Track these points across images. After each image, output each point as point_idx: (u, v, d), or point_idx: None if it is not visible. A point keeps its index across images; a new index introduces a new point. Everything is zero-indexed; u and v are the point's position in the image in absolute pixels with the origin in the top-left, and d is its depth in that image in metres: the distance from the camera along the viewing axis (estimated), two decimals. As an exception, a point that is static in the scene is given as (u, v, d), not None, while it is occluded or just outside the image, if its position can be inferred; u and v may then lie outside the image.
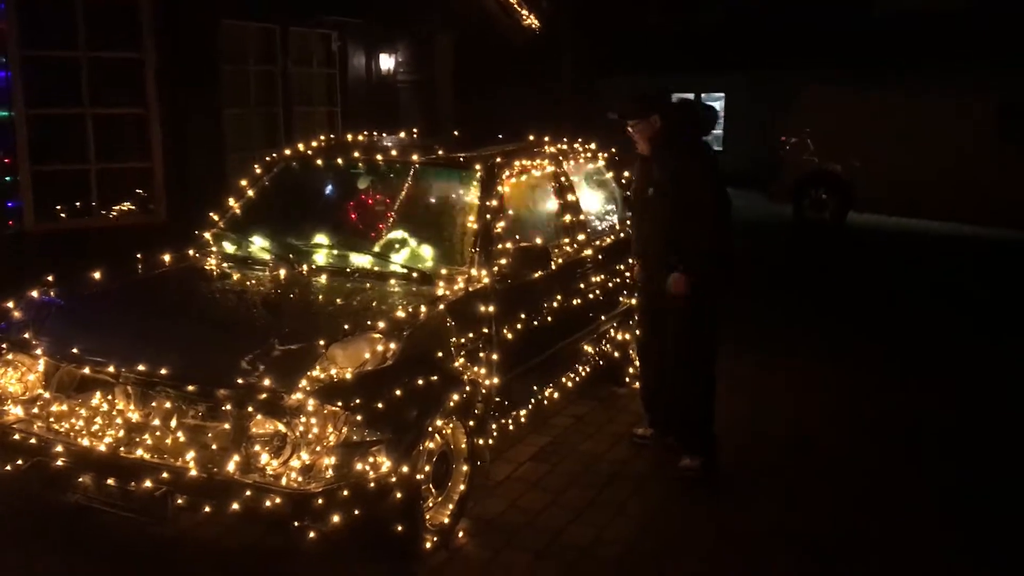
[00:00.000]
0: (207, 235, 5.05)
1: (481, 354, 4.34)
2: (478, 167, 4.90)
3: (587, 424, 5.70)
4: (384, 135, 6.12)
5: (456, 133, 6.48)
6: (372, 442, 3.54)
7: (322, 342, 3.65)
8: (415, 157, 5.04)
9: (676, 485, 4.85)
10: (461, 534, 4.14)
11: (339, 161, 5.25)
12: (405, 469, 3.61)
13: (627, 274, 5.93)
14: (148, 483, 3.50)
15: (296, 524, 3.48)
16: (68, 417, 3.81)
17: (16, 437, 3.75)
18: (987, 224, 13.97)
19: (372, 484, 3.50)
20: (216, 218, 5.15)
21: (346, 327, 3.79)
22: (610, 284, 5.78)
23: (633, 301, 6.30)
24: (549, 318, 4.99)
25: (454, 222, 4.79)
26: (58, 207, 6.44)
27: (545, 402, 5.20)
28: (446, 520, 4.06)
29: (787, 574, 4.05)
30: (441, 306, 4.17)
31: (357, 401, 3.53)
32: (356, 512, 3.51)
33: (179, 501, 3.54)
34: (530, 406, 4.98)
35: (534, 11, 12.05)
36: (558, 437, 5.45)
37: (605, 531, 4.32)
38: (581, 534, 4.28)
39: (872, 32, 18.50)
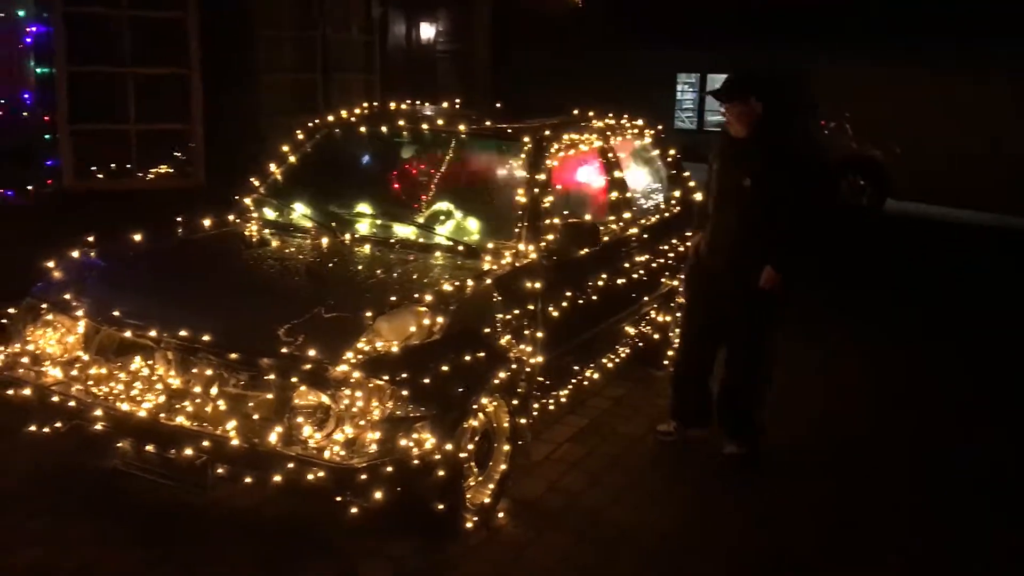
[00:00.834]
0: (247, 200, 4.96)
1: (526, 331, 4.23)
2: (527, 139, 4.77)
3: (625, 406, 5.60)
4: (426, 104, 5.99)
5: (498, 105, 6.35)
6: (416, 418, 3.45)
7: (369, 313, 3.56)
8: (462, 127, 4.92)
9: (717, 470, 4.74)
10: (501, 514, 4.05)
11: (383, 129, 5.14)
12: (449, 447, 3.52)
13: (671, 254, 5.81)
14: (188, 451, 3.43)
15: (339, 498, 3.40)
16: (107, 381, 3.75)
17: (55, 399, 3.68)
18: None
19: (416, 461, 3.42)
20: (256, 183, 5.05)
21: (392, 299, 3.69)
22: (653, 264, 5.65)
23: (676, 283, 6.20)
24: (594, 297, 4.87)
25: (501, 195, 4.68)
26: (96, 167, 6.36)
27: (586, 383, 5.10)
28: (486, 500, 3.98)
29: (833, 564, 3.95)
30: (488, 281, 4.06)
31: (403, 375, 3.44)
32: (398, 488, 3.43)
33: (219, 470, 3.47)
34: (571, 386, 4.88)
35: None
36: (596, 418, 5.35)
37: (646, 515, 4.23)
38: (622, 518, 4.19)
39: (907, 8, 17.82)
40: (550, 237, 4.49)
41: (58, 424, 3.69)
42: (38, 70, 5.96)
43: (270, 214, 4.87)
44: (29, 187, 5.85)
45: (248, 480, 3.44)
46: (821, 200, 4.67)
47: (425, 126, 5.01)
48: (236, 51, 6.60)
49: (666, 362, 6.22)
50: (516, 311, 4.16)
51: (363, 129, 5.17)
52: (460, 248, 4.37)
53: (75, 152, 6.20)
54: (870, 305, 8.21)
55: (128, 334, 3.72)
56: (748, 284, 4.59)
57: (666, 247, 5.82)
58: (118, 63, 6.34)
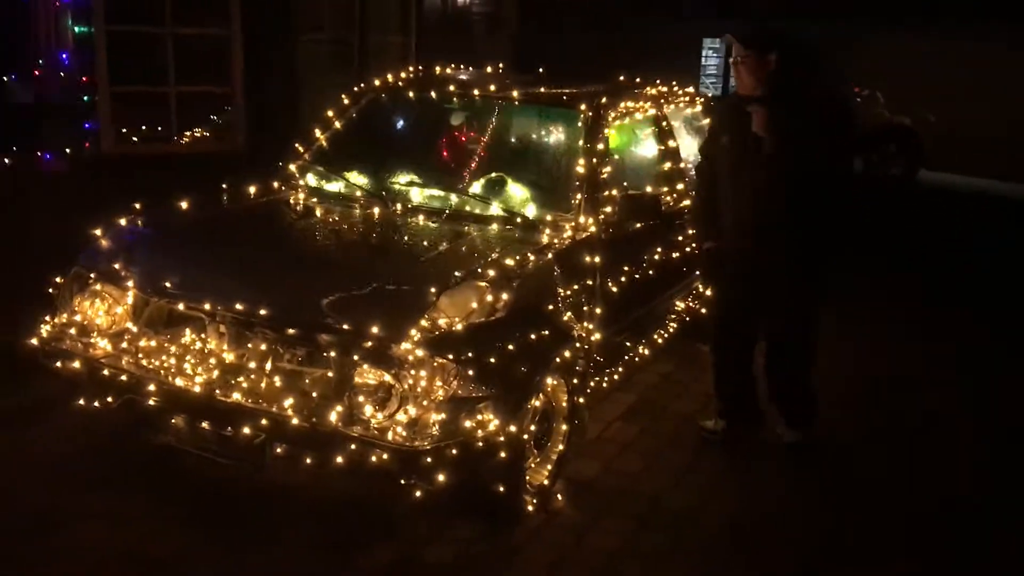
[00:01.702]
0: (292, 167, 4.81)
1: (585, 307, 4.09)
2: (584, 107, 4.60)
3: (673, 383, 5.47)
4: (470, 69, 5.80)
5: (540, 71, 6.15)
6: (480, 398, 3.32)
7: (433, 289, 3.41)
8: (515, 93, 4.74)
9: (774, 452, 4.61)
10: (559, 496, 3.94)
11: (432, 95, 4.96)
12: (513, 428, 3.39)
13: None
14: (246, 430, 3.31)
15: (403, 481, 3.29)
16: (158, 354, 3.62)
17: (106, 372, 3.56)
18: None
19: (480, 443, 3.29)
20: (301, 150, 4.90)
21: (456, 274, 3.54)
22: (704, 237, 5.49)
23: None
24: (650, 271, 4.72)
25: (558, 165, 4.53)
26: (135, 130, 6.21)
27: (637, 359, 4.96)
28: (545, 481, 3.86)
29: (898, 548, 3.83)
30: (549, 255, 3.91)
31: (469, 354, 3.31)
32: (463, 470, 3.31)
33: (278, 450, 3.36)
34: (624, 363, 4.74)
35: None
36: (645, 395, 5.22)
37: (708, 499, 4.11)
38: (683, 501, 4.07)
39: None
40: (608, 209, 4.34)
41: (109, 399, 3.57)
42: (76, 29, 5.79)
43: (315, 182, 4.72)
44: (68, 150, 5.70)
45: (308, 461, 3.33)
46: (844, 157, 4.42)
47: (476, 92, 4.82)
48: (276, 10, 6.40)
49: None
50: (575, 286, 4.01)
51: (411, 94, 5.00)
52: (518, 220, 4.22)
53: (114, 115, 6.04)
54: (902, 280, 8.03)
55: (181, 307, 3.59)
56: (787, 262, 4.27)
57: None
58: (158, 23, 6.15)
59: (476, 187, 4.48)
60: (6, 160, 5.68)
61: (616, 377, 4.69)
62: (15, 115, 5.83)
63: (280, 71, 6.59)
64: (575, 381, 3.94)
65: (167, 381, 3.48)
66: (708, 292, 4.93)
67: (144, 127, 6.24)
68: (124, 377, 3.53)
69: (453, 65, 5.62)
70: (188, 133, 6.39)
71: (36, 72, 5.79)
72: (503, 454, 3.38)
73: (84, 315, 3.80)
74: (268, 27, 6.40)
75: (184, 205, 4.22)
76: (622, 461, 4.42)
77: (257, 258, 3.84)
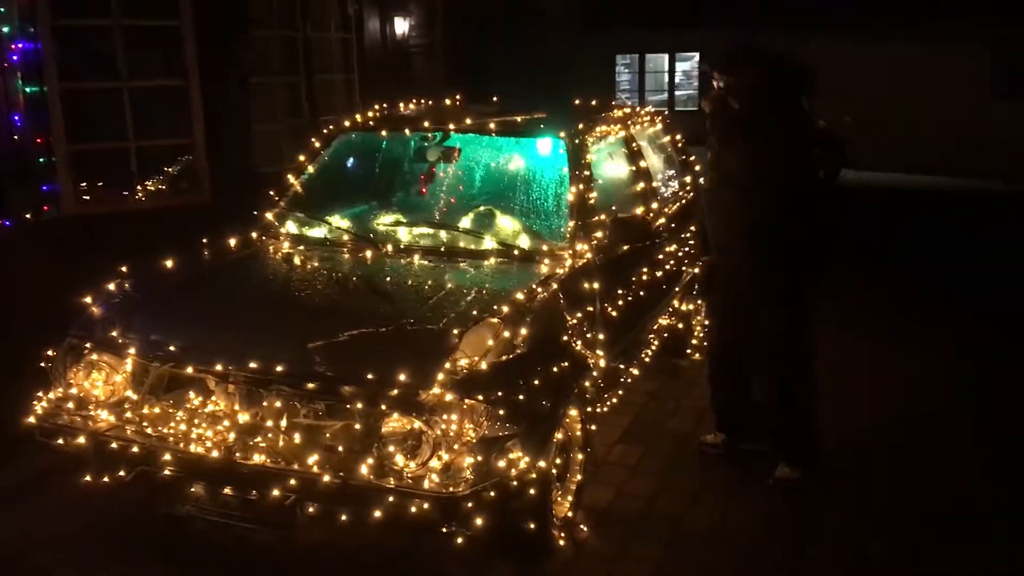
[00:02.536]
0: (269, 215, 4.69)
1: (588, 334, 4.08)
2: (563, 134, 4.60)
3: (663, 400, 5.49)
4: (431, 102, 5.75)
5: (495, 99, 6.14)
6: (508, 436, 3.26)
7: (456, 331, 3.35)
8: (493, 125, 4.71)
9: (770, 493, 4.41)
10: (583, 527, 3.90)
11: (405, 131, 4.91)
12: (542, 463, 3.35)
13: (690, 241, 5.70)
14: (275, 491, 3.19)
15: (444, 529, 3.21)
16: (165, 421, 3.48)
17: (114, 446, 3.40)
18: (981, 179, 14.05)
19: (514, 482, 3.24)
20: (276, 197, 4.79)
21: (474, 313, 3.49)
22: (679, 253, 5.55)
23: (695, 270, 6.10)
24: (640, 292, 4.74)
25: (546, 193, 4.50)
26: (96, 189, 5.98)
27: (629, 380, 4.97)
28: (569, 513, 3.82)
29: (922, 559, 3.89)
30: (554, 285, 3.89)
31: (498, 393, 3.26)
32: (499, 512, 3.25)
33: (310, 509, 3.24)
34: (621, 386, 4.74)
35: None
36: (639, 415, 5.23)
37: (727, 518, 4.11)
38: (703, 521, 4.07)
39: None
40: (599, 234, 4.34)
41: (121, 472, 3.41)
42: (27, 89, 5.56)
43: (297, 228, 4.61)
44: (27, 215, 5.47)
45: (343, 518, 3.22)
46: (831, 174, 4.47)
47: (451, 125, 4.77)
48: (230, 57, 6.26)
49: (688, 351, 6.16)
50: (579, 314, 3.99)
51: (383, 132, 4.92)
52: (515, 253, 4.18)
53: (72, 175, 5.81)
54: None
55: (189, 370, 3.45)
56: (764, 281, 4.24)
57: (687, 234, 5.72)
58: (113, 76, 5.94)
59: (466, 222, 4.44)
60: None
61: (614, 400, 4.68)
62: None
63: (238, 117, 6.45)
64: (588, 409, 3.93)
65: (181, 449, 3.34)
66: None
67: (105, 185, 6.02)
68: (135, 449, 3.37)
69: (416, 99, 5.57)
70: (151, 187, 6.19)
71: (-12, 137, 5.56)
72: (533, 491, 3.34)
73: (80, 387, 3.63)
74: (224, 74, 6.26)
75: (169, 264, 4.08)
76: (634, 485, 4.41)
77: (260, 313, 3.73)
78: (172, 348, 3.49)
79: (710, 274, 4.60)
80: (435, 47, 10.25)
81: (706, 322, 5.05)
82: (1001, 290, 7.84)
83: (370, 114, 5.08)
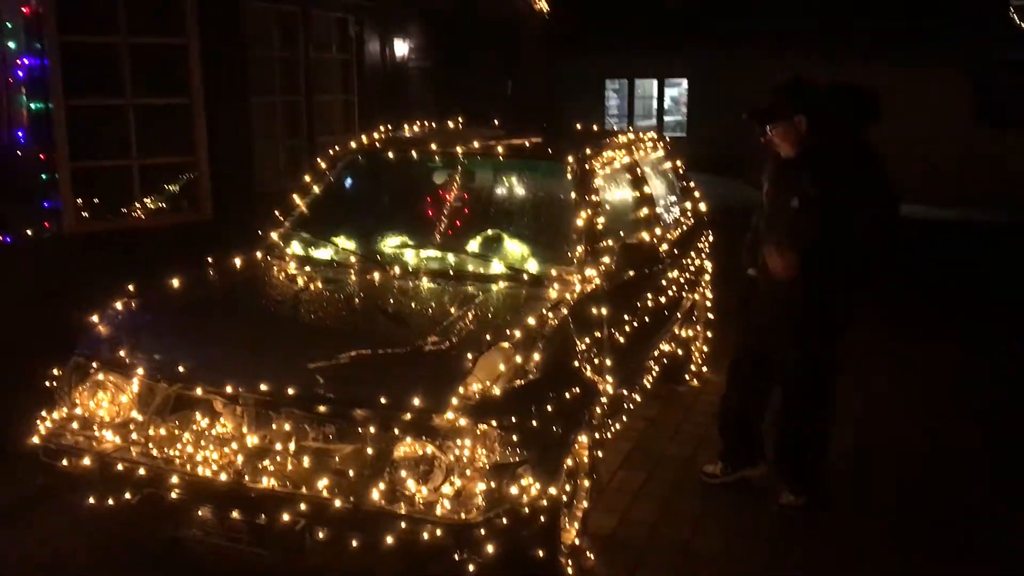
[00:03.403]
0: (274, 235, 4.67)
1: (596, 360, 4.06)
2: (570, 159, 4.61)
3: (662, 426, 5.49)
4: (434, 125, 5.75)
5: (495, 122, 6.16)
6: (519, 462, 3.24)
7: (470, 355, 3.33)
8: (500, 150, 4.71)
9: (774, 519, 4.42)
10: (590, 554, 3.87)
11: (412, 154, 4.89)
12: (553, 490, 3.33)
13: (691, 267, 5.72)
14: (285, 516, 3.15)
15: (456, 557, 3.18)
16: (170, 442, 3.44)
17: (120, 467, 3.35)
18: (958, 207, 14.18)
19: (526, 508, 3.21)
20: (281, 217, 4.76)
21: (487, 338, 3.47)
22: (681, 279, 5.56)
23: (696, 296, 6.12)
24: (645, 317, 4.73)
25: (554, 218, 4.50)
26: (98, 207, 5.92)
27: (632, 406, 4.95)
28: (576, 540, 3.79)
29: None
30: (564, 310, 3.88)
31: (512, 419, 3.23)
32: (510, 539, 3.22)
33: (320, 535, 3.20)
34: (625, 411, 4.73)
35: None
36: (640, 442, 5.22)
37: (732, 544, 4.10)
38: (710, 548, 4.06)
39: (842, 6, 18.05)
40: (607, 259, 4.34)
41: (127, 495, 3.36)
42: (32, 105, 5.52)
43: (302, 249, 4.59)
44: (28, 232, 5.41)
45: (354, 544, 3.18)
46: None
47: (459, 149, 4.77)
48: (233, 76, 6.24)
49: (687, 377, 6.17)
50: (587, 340, 3.98)
51: (390, 154, 4.91)
52: (524, 277, 4.17)
53: (75, 192, 5.75)
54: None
55: (198, 391, 3.41)
56: (794, 310, 4.23)
57: (688, 260, 5.75)
58: (118, 94, 5.91)
59: (473, 245, 4.42)
60: None
61: (618, 426, 4.67)
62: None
63: (239, 137, 6.42)
64: (596, 436, 3.91)
65: (189, 471, 3.29)
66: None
67: (107, 202, 5.97)
68: (142, 471, 3.33)
69: (420, 122, 5.57)
70: (152, 205, 6.14)
71: (-8, 153, 5.51)
72: (543, 517, 3.31)
73: (86, 407, 3.59)
74: (227, 93, 6.24)
75: (176, 283, 4.05)
76: (638, 511, 4.40)
77: (268, 334, 3.69)
78: (180, 369, 3.44)
79: (750, 290, 4.59)
80: (433, 70, 10.27)
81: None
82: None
83: (376, 136, 5.07)
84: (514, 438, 3.22)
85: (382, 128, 5.18)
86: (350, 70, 8.06)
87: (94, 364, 3.59)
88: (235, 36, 6.37)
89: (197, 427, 3.48)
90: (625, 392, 4.72)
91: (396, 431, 3.19)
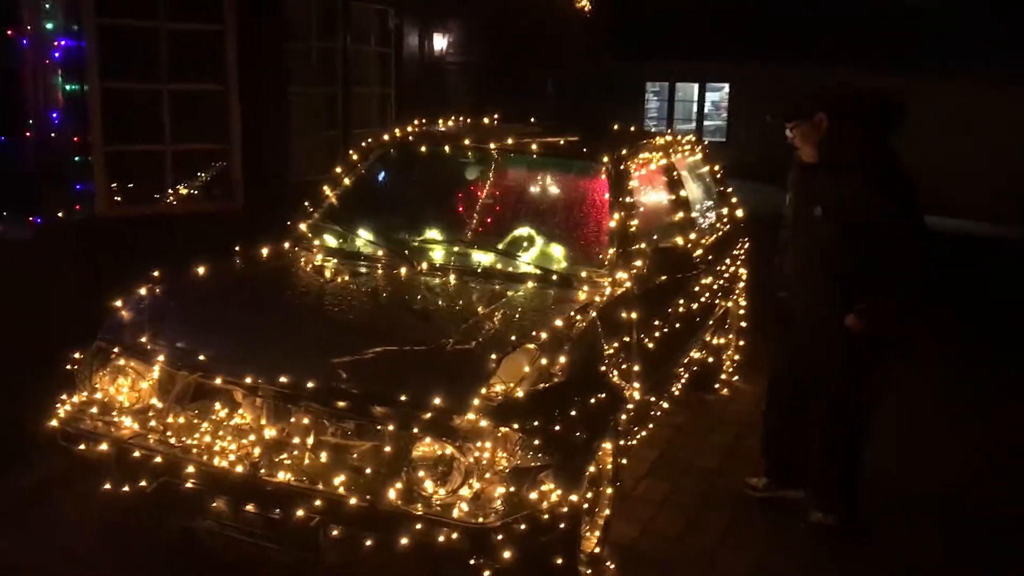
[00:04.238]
0: (303, 227, 4.62)
1: (624, 365, 3.97)
2: (606, 159, 4.51)
3: (689, 435, 5.38)
4: (468, 120, 5.68)
5: (532, 120, 6.07)
6: (541, 467, 3.16)
7: (493, 356, 3.25)
8: (534, 147, 4.64)
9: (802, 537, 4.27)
10: (610, 564, 3.78)
11: (445, 148, 4.83)
12: (574, 497, 3.24)
13: (725, 274, 5.61)
14: (300, 512, 3.10)
15: (472, 562, 3.10)
16: (188, 432, 3.40)
17: (137, 455, 3.32)
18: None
19: (546, 515, 3.13)
20: (311, 208, 4.72)
21: (512, 338, 3.39)
22: (715, 286, 5.44)
23: (729, 304, 6.01)
24: (676, 324, 4.63)
25: (586, 218, 4.41)
26: (129, 191, 5.92)
27: (659, 414, 4.85)
28: (596, 549, 3.71)
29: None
30: (593, 313, 3.79)
31: (535, 423, 3.15)
32: (528, 545, 3.14)
33: (334, 532, 3.14)
34: (652, 419, 4.63)
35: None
36: (665, 451, 5.12)
37: (760, 560, 3.99)
38: (736, 563, 3.95)
39: (894, 19, 17.73)
40: (639, 263, 4.24)
41: (143, 483, 3.32)
42: (67, 87, 5.53)
43: (331, 241, 4.54)
44: (60, 214, 5.41)
45: (368, 543, 3.11)
46: (915, 233, 3.93)
47: (493, 145, 4.70)
48: (270, 64, 6.20)
49: (716, 386, 6.05)
50: (615, 344, 3.89)
51: (422, 149, 4.84)
52: (553, 278, 4.09)
53: (107, 175, 5.75)
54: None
55: (218, 381, 3.37)
56: (829, 331, 4.07)
57: (722, 267, 5.63)
58: (154, 79, 5.90)
59: (503, 243, 4.35)
60: None
61: (644, 434, 4.57)
62: (5, 179, 5.53)
63: (274, 126, 6.39)
64: (621, 443, 3.82)
65: (205, 461, 3.25)
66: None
67: (138, 187, 5.96)
68: (159, 459, 3.28)
69: (454, 117, 5.50)
70: (184, 192, 6.13)
71: (27, 134, 5.50)
72: (563, 524, 3.23)
73: (106, 392, 3.55)
74: (263, 82, 6.21)
75: (201, 271, 4.01)
76: (662, 522, 4.30)
77: (293, 326, 3.64)
78: (202, 357, 3.40)
79: (782, 310, 4.44)
80: (471, 65, 10.20)
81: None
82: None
83: (409, 129, 5.01)
84: (536, 442, 3.14)
85: (416, 122, 5.11)
86: (388, 63, 8.01)
87: (116, 349, 3.55)
88: (274, 24, 6.34)
89: (216, 417, 3.44)
90: (653, 399, 4.63)
91: (415, 430, 3.12)
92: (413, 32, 8.51)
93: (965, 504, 4.66)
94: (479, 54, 10.33)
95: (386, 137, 4.96)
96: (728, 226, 5.97)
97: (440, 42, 9.17)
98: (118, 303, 3.67)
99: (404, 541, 3.02)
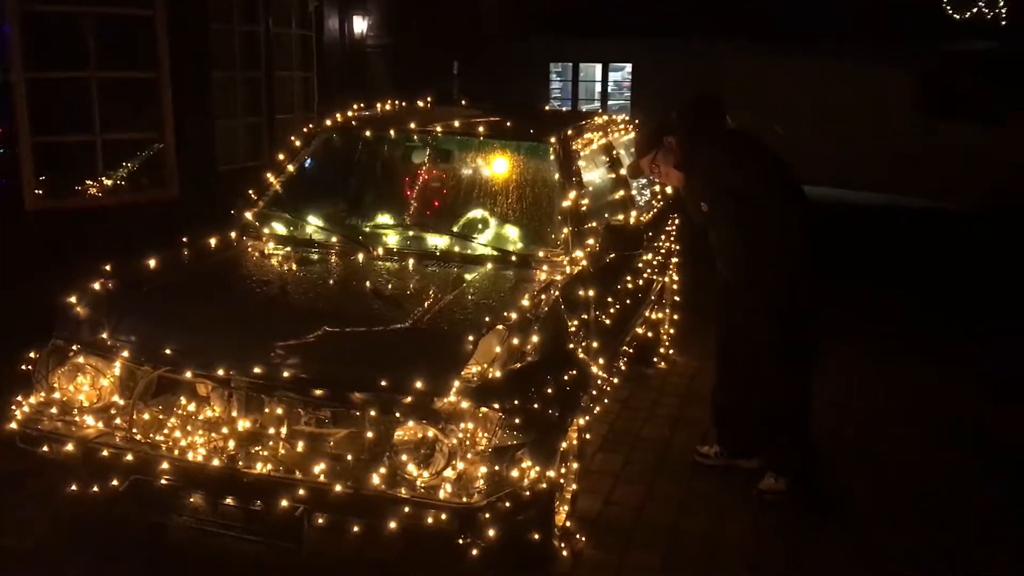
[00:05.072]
0: (248, 215, 4.53)
1: (583, 342, 4.04)
2: (554, 139, 4.56)
3: (635, 408, 5.49)
4: (402, 104, 5.65)
5: (463, 102, 6.07)
6: (519, 445, 3.20)
7: (471, 337, 3.27)
8: (481, 129, 4.65)
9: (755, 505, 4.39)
10: (579, 536, 3.86)
11: (390, 133, 4.80)
12: (551, 473, 3.30)
13: (661, 250, 5.72)
14: (283, 502, 3.07)
15: (459, 541, 3.13)
16: (156, 427, 3.33)
17: (105, 453, 3.23)
18: (906, 195, 14.55)
19: (527, 492, 3.18)
20: (254, 196, 4.63)
21: (487, 319, 3.42)
22: (654, 262, 5.56)
23: (666, 280, 6.14)
24: (625, 300, 4.72)
25: (538, 199, 4.45)
26: (60, 183, 5.66)
27: (609, 389, 4.94)
28: (567, 523, 3.78)
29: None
30: (555, 292, 3.84)
31: (514, 402, 3.19)
32: (510, 522, 3.18)
33: (319, 521, 3.13)
34: (605, 394, 4.71)
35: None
36: (614, 424, 5.22)
37: (721, 524, 4.12)
38: (698, 529, 4.07)
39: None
40: (591, 241, 4.31)
41: (114, 482, 3.24)
42: (-10, 78, 5.28)
43: (280, 229, 4.47)
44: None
45: (355, 529, 3.11)
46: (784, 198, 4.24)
47: (438, 129, 4.69)
48: (198, 50, 6.02)
49: (655, 360, 6.19)
50: (575, 322, 3.95)
51: (367, 133, 4.81)
52: (512, 259, 4.12)
53: (36, 167, 5.49)
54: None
55: (188, 375, 3.30)
56: (747, 306, 4.32)
57: (659, 243, 5.75)
58: (81, 67, 5.65)
59: (458, 227, 4.36)
60: None
61: (598, 409, 4.65)
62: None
63: (201, 112, 6.21)
64: (586, 419, 3.89)
65: (179, 457, 3.19)
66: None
67: (70, 179, 5.71)
68: (129, 456, 3.21)
69: (392, 101, 5.45)
70: (115, 182, 5.91)
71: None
72: (541, 501, 3.28)
73: (64, 391, 3.44)
74: (192, 68, 6.03)
75: (152, 263, 3.90)
76: (621, 494, 4.39)
77: (259, 316, 3.58)
78: (168, 351, 3.32)
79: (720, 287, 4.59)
80: (390, 48, 10.10)
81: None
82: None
83: (352, 114, 4.96)
84: (516, 421, 3.18)
85: (354, 107, 5.06)
86: (309, 46, 7.87)
87: (74, 347, 3.44)
88: (200, 8, 6.16)
89: (183, 412, 3.38)
90: (604, 375, 4.72)
91: (397, 414, 3.13)
92: (333, 15, 8.38)
93: (919, 465, 4.86)
94: (398, 37, 10.24)
95: (328, 122, 4.89)
96: (661, 202, 6.09)
97: (360, 25, 9.05)
98: (71, 300, 3.55)
99: (392, 525, 3.04)
